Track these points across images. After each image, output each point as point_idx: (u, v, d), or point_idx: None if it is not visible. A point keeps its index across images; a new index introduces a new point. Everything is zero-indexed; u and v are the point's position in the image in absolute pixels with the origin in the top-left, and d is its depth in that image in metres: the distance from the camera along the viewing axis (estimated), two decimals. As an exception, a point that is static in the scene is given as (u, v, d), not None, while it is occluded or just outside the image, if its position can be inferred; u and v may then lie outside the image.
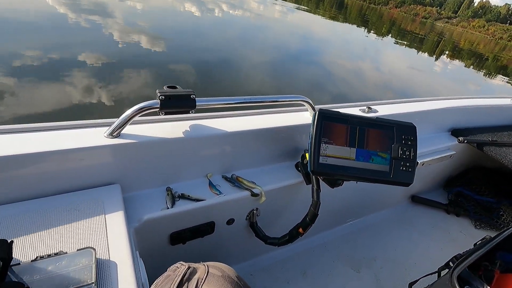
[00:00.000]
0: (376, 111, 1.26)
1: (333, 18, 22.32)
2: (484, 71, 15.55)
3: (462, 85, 9.67)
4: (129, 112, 0.69)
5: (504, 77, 13.89)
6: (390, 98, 1.53)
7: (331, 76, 6.19)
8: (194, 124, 0.84)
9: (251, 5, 16.34)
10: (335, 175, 0.75)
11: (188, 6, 9.76)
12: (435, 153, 1.47)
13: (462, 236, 1.56)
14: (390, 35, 21.97)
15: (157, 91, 0.71)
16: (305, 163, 0.94)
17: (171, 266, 0.44)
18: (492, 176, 1.85)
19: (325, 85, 5.33)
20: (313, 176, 0.87)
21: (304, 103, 0.96)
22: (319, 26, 15.66)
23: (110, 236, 0.59)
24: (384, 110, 1.30)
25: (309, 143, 0.74)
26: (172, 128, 0.79)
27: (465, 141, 1.55)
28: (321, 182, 0.88)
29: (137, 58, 4.32)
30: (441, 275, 0.93)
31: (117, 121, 0.69)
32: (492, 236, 1.02)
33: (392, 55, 12.58)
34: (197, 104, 0.74)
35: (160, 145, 0.75)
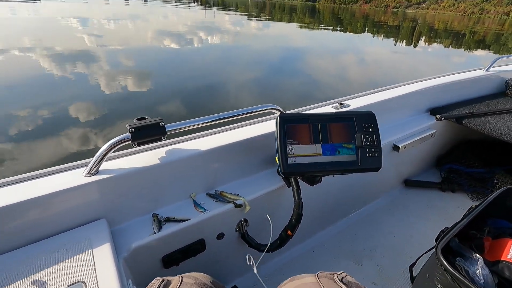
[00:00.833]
0: (348, 105, 1.31)
1: (309, 24, 22.93)
2: (464, 47, 15.83)
3: (446, 64, 9.82)
4: (103, 148, 0.73)
5: (483, 50, 14.11)
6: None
7: (315, 81, 6.30)
8: (170, 149, 0.88)
9: (227, 27, 16.81)
10: (306, 173, 0.78)
11: (168, 41, 10.05)
12: (415, 134, 1.50)
13: (460, 211, 1.57)
14: (366, 30, 22.49)
15: (127, 125, 0.76)
16: None
17: (149, 284, 0.47)
18: (478, 147, 1.88)
19: (312, 90, 5.42)
20: (291, 178, 0.90)
21: (275, 111, 1.01)
22: (297, 34, 16.07)
23: (99, 269, 0.61)
24: (356, 103, 1.35)
25: (276, 147, 0.78)
26: (148, 157, 0.83)
27: (443, 118, 1.59)
28: (301, 183, 0.91)
29: (125, 101, 4.41)
30: (434, 251, 0.95)
31: (92, 159, 0.73)
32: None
33: (372, 48, 12.83)
34: (167, 130, 0.79)
35: (139, 175, 0.79)
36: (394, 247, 1.31)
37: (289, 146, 0.77)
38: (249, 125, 1.07)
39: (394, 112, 1.51)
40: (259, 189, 0.96)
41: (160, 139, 0.79)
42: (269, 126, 1.06)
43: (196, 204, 0.88)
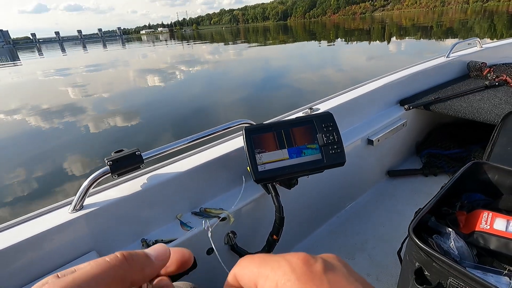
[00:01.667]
0: (318, 109, 1.39)
1: (284, 41, 23.76)
2: (434, 38, 16.54)
3: (420, 56, 10.21)
4: (84, 184, 0.78)
5: (452, 39, 14.75)
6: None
7: (299, 91, 6.50)
8: (150, 175, 0.92)
9: (206, 57, 17.32)
10: (277, 177, 0.84)
11: (150, 78, 10.30)
12: (387, 126, 1.58)
13: None
14: (339, 38, 23.38)
15: (105, 159, 0.81)
16: None
17: None
18: (452, 129, 1.97)
19: (297, 101, 5.58)
20: (268, 185, 0.96)
21: (247, 124, 1.08)
22: (274, 52, 16.63)
23: None
24: (327, 105, 1.43)
25: (246, 158, 0.84)
26: (130, 186, 0.87)
27: (411, 107, 1.68)
28: (279, 188, 0.97)
29: (111, 141, 4.48)
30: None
31: (76, 196, 0.78)
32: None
33: (347, 53, 13.32)
34: (144, 158, 0.84)
35: (123, 204, 0.83)
36: (384, 236, 1.35)
37: (258, 155, 0.83)
38: (225, 141, 1.12)
39: (365, 108, 1.59)
40: (241, 200, 1.01)
41: (138, 168, 0.84)
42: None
43: (182, 223, 0.92)
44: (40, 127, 5.56)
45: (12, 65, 25.56)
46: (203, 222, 0.92)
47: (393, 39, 18.28)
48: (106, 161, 0.79)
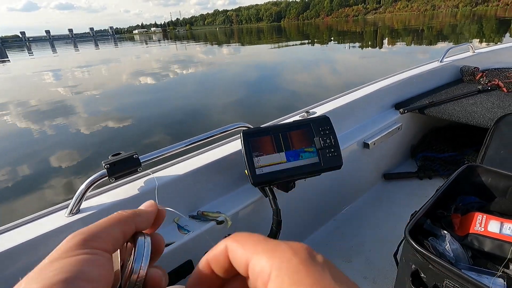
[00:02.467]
0: (314, 113, 1.39)
1: (278, 43, 23.86)
2: (425, 41, 16.82)
3: (412, 59, 10.36)
4: (81, 187, 0.76)
5: (443, 42, 15.03)
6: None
7: (294, 93, 6.52)
8: (148, 178, 0.91)
9: (200, 57, 17.26)
10: (274, 180, 0.84)
11: (143, 79, 10.20)
12: (383, 130, 1.59)
13: None
14: (332, 39, 23.59)
15: (102, 162, 0.80)
16: None
17: None
18: (446, 132, 2.00)
19: (292, 102, 5.60)
20: (266, 188, 0.95)
21: (244, 128, 1.07)
22: (268, 53, 16.66)
23: None
24: (323, 109, 1.44)
25: (244, 161, 0.83)
26: (127, 189, 0.86)
27: (406, 111, 1.70)
28: (276, 191, 0.96)
29: (105, 143, 4.42)
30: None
31: (72, 200, 0.76)
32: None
33: (341, 55, 13.44)
34: (142, 161, 0.83)
35: (120, 207, 0.81)
36: (380, 239, 1.36)
37: (255, 158, 0.82)
38: (223, 144, 1.12)
39: (361, 112, 1.61)
40: (239, 203, 1.00)
41: (136, 171, 0.83)
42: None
43: (180, 227, 0.91)
44: (30, 128, 5.45)
45: (1, 62, 25.08)
46: (201, 225, 0.91)
47: (385, 42, 18.52)
48: (104, 164, 0.77)
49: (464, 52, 2.39)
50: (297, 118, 1.36)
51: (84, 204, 0.79)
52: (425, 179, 1.80)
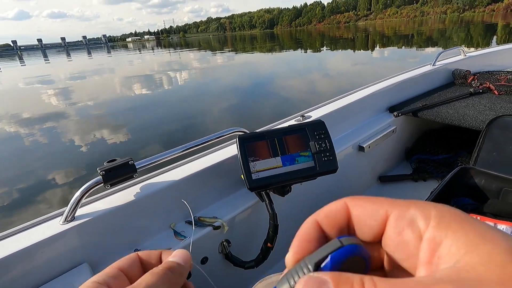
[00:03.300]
0: (309, 117, 1.40)
1: (271, 49, 24.09)
2: (415, 46, 17.16)
3: (403, 63, 10.53)
4: (76, 195, 0.75)
5: (432, 47, 15.34)
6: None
7: (288, 98, 6.56)
8: (144, 184, 0.90)
9: (193, 64, 17.31)
10: (271, 185, 0.83)
11: (137, 86, 10.16)
12: (377, 133, 1.60)
13: None
14: (324, 46, 23.91)
15: (97, 168, 0.78)
16: None
17: None
18: (440, 135, 2.02)
19: (286, 108, 5.63)
20: (262, 192, 0.95)
21: (240, 133, 1.07)
22: (262, 60, 16.80)
23: None
24: (318, 113, 1.44)
25: (240, 166, 0.83)
26: (123, 195, 0.85)
27: (400, 114, 1.72)
28: (273, 195, 0.96)
29: (106, 151, 4.37)
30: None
31: (67, 207, 0.75)
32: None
33: (334, 61, 13.61)
34: (137, 167, 0.82)
35: (116, 214, 0.80)
36: None
37: (251, 163, 0.82)
38: (219, 149, 1.11)
39: (355, 115, 1.62)
40: (235, 208, 0.99)
41: (132, 177, 0.82)
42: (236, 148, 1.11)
43: (176, 233, 0.89)
44: (20, 136, 5.37)
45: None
46: (198, 231, 0.90)
47: (376, 47, 18.84)
48: (99, 171, 0.76)
49: (456, 56, 2.43)
50: (292, 122, 1.36)
51: (79, 211, 0.77)
52: (419, 181, 1.81)
